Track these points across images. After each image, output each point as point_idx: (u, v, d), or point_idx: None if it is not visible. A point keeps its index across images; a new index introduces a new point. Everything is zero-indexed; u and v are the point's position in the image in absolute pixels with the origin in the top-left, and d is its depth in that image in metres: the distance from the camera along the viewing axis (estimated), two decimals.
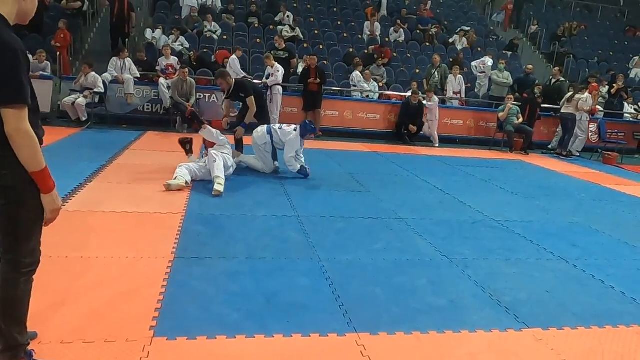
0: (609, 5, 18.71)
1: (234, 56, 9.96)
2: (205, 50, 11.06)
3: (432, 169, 7.51)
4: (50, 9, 11.06)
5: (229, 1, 13.29)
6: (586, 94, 10.37)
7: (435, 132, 10.31)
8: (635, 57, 14.80)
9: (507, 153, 10.02)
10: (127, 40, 10.87)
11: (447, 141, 10.60)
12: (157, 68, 9.69)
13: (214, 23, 11.99)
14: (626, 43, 16.51)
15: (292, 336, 2.44)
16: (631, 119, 12.11)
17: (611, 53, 15.70)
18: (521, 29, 16.72)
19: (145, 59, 9.90)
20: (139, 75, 9.36)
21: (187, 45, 11.01)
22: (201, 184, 5.22)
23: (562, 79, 11.23)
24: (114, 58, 9.19)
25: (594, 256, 4.07)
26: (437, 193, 5.88)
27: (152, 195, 4.68)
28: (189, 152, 5.69)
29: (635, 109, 12.21)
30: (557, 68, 11.55)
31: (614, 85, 12.17)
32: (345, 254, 3.61)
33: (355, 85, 10.74)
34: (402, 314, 2.78)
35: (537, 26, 16.12)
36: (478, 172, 7.47)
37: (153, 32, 11.32)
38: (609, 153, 10.17)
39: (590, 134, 10.96)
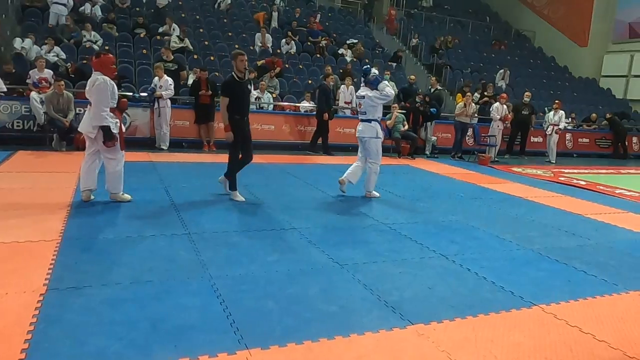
0: (477, 21, 20.83)
1: None
2: (84, 61, 10.30)
3: (326, 177, 7.70)
4: None
5: (109, 10, 12.56)
6: (497, 104, 11.48)
7: None
8: (501, 70, 16.52)
9: (396, 158, 10.64)
10: None
11: (341, 149, 10.97)
12: (28, 81, 8.83)
13: (93, 32, 11.25)
14: (493, 55, 18.44)
15: None
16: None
17: (481, 64, 17.41)
18: (404, 42, 17.92)
19: (14, 71, 9.00)
20: (5, 90, 8.47)
21: (63, 56, 10.21)
22: (83, 205, 4.85)
23: (440, 87, 12.21)
24: None
25: (470, 250, 4.44)
26: (331, 201, 6.05)
27: (22, 222, 4.24)
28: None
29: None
30: (434, 78, 12.54)
31: (485, 93, 13.52)
32: (238, 269, 3.56)
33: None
34: (294, 324, 2.80)
35: (417, 39, 17.38)
36: None
37: (22, 41, 10.30)
38: (483, 155, 11.24)
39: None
